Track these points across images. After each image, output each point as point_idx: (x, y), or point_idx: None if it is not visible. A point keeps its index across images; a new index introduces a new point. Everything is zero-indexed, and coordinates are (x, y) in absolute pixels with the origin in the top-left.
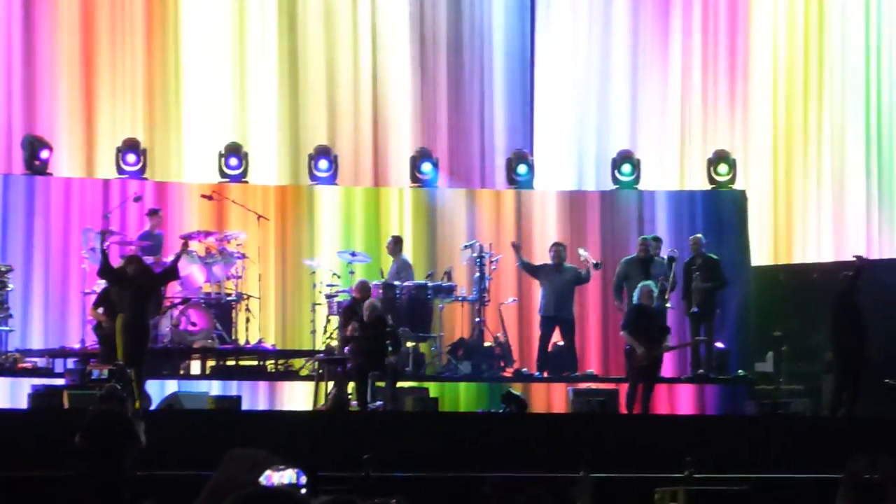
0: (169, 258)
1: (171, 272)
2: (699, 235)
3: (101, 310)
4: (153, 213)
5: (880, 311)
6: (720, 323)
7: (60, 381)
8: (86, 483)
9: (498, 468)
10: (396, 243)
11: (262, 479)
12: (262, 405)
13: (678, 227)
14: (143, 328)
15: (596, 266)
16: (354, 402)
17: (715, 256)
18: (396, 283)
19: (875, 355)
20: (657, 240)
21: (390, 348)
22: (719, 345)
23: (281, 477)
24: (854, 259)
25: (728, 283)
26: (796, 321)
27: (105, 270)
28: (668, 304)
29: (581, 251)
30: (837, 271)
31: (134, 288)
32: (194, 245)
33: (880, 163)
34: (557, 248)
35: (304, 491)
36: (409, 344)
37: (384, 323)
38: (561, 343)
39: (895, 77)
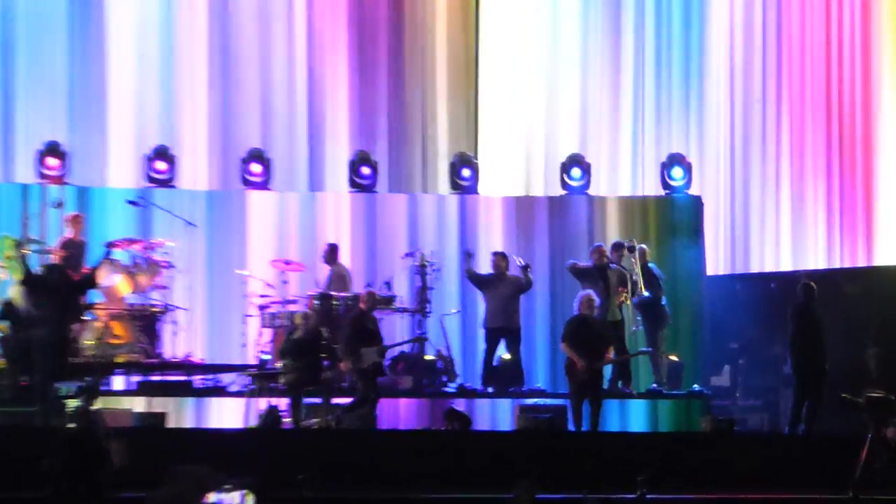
0: (89, 266)
1: (90, 280)
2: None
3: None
4: (75, 218)
5: (840, 322)
6: (673, 335)
7: None
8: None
9: (440, 488)
10: (332, 251)
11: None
12: (189, 422)
13: (630, 234)
14: (65, 341)
15: (525, 269)
16: (288, 419)
17: (652, 265)
18: (333, 293)
19: (835, 368)
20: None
21: (326, 363)
22: (673, 358)
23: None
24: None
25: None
26: (754, 333)
27: (28, 279)
28: (645, 294)
29: (514, 256)
30: (797, 281)
31: (55, 298)
32: (118, 253)
33: (841, 168)
34: (499, 258)
35: None
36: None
37: (320, 336)
38: (507, 356)
39: (857, 81)
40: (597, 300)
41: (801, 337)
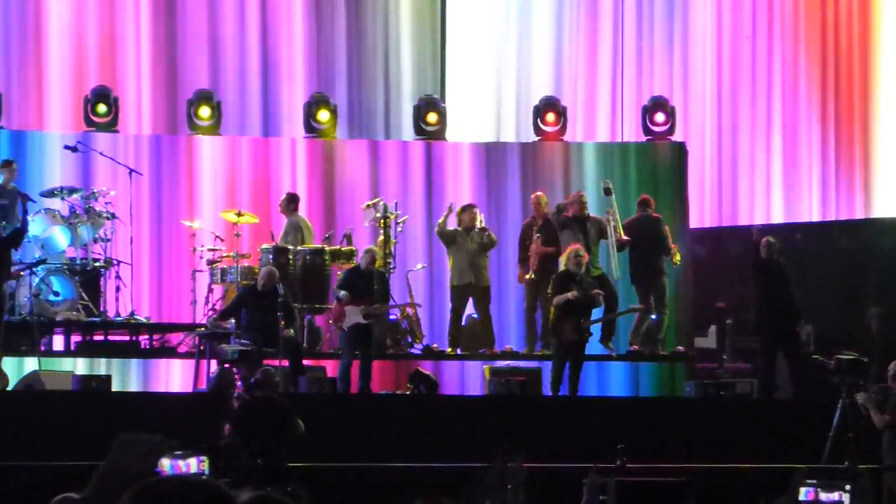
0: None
1: (20, 234)
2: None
3: None
4: (6, 164)
5: (836, 277)
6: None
7: None
8: (244, 476)
9: (405, 456)
10: (291, 201)
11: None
12: (134, 386)
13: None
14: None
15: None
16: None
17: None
18: (290, 247)
19: (831, 328)
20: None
21: (283, 321)
22: (653, 317)
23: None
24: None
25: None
26: (742, 291)
27: None
28: (624, 239)
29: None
30: (790, 234)
31: None
32: (56, 203)
33: (837, 111)
34: (471, 211)
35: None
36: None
37: (276, 293)
38: (475, 316)
39: (855, 14)
40: (584, 256)
41: (765, 294)
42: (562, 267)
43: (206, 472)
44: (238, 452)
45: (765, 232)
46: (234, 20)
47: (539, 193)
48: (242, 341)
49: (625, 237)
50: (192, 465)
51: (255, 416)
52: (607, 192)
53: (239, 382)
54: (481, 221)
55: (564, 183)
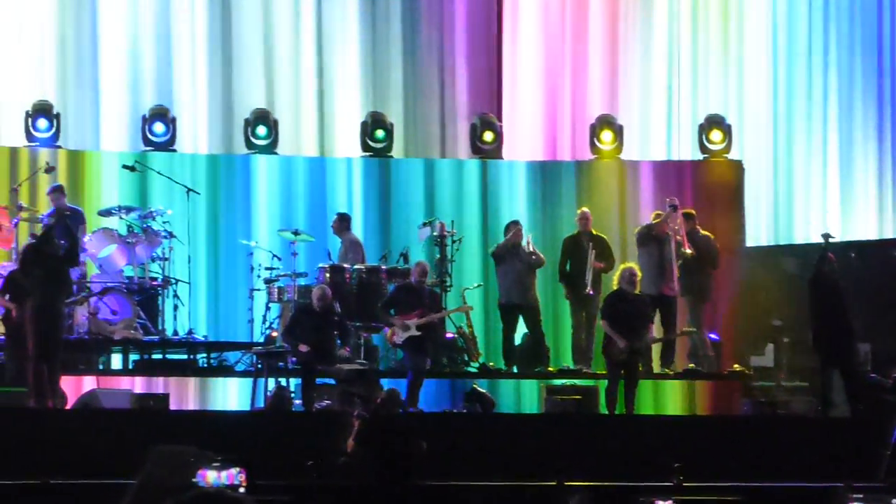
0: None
1: (75, 252)
2: (586, 209)
3: (7, 297)
4: (54, 190)
5: (892, 294)
6: (711, 311)
7: None
8: (370, 495)
9: (461, 475)
10: (342, 220)
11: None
12: (191, 404)
13: (664, 200)
14: (55, 315)
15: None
16: (298, 401)
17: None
18: (346, 265)
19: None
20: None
21: (339, 340)
22: (711, 336)
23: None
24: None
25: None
26: (799, 309)
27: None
28: (687, 251)
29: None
30: (846, 251)
31: (48, 271)
32: (114, 222)
33: (893, 129)
34: (516, 228)
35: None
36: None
37: (333, 311)
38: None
39: None
40: (638, 274)
41: (820, 315)
42: (614, 285)
43: (242, 484)
44: (358, 470)
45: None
46: (290, 39)
47: (585, 209)
48: (360, 361)
49: (689, 250)
50: (229, 476)
51: (378, 434)
52: (674, 208)
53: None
54: (530, 242)
55: (620, 201)
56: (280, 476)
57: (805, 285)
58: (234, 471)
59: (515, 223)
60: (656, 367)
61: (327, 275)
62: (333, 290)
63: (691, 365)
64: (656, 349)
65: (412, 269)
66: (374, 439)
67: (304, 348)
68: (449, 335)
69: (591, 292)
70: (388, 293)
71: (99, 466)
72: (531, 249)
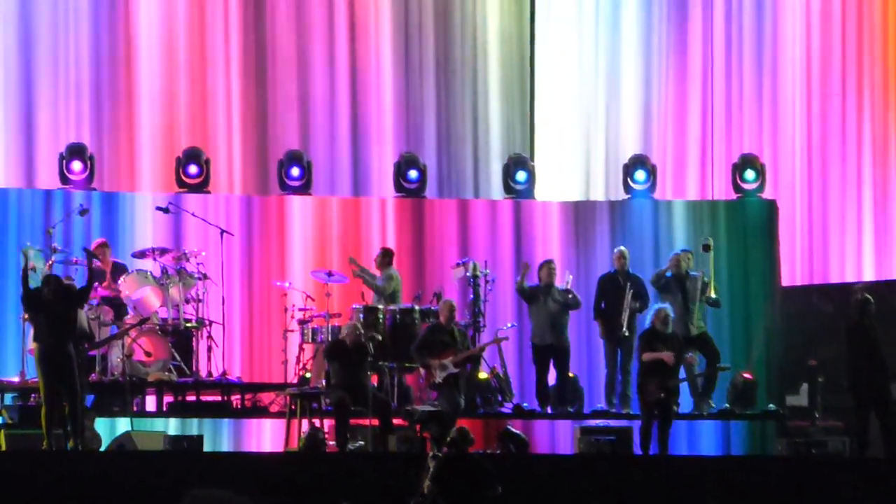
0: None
1: (84, 292)
2: (623, 248)
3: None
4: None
5: None
6: (745, 350)
7: None
8: None
9: None
10: (385, 255)
11: None
12: (226, 446)
13: (698, 241)
14: (63, 357)
15: (566, 292)
16: (332, 442)
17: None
18: (380, 306)
19: None
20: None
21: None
22: (746, 375)
23: None
24: (858, 287)
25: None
26: (834, 349)
27: (24, 296)
28: (713, 297)
29: (567, 275)
30: (881, 291)
31: (49, 313)
32: (148, 264)
33: None
34: (549, 267)
35: None
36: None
37: (366, 351)
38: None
39: None
40: (672, 314)
41: (856, 356)
42: (648, 324)
43: None
44: None
45: (865, 290)
46: (324, 80)
47: (623, 248)
48: (433, 402)
49: (713, 295)
50: None
51: (451, 473)
52: (706, 248)
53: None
54: (569, 282)
55: (654, 241)
56: None
57: (840, 325)
58: None
59: (548, 262)
60: (687, 405)
61: (361, 316)
62: (367, 331)
63: (726, 405)
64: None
65: (440, 309)
66: (444, 478)
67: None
68: (483, 375)
69: (628, 333)
70: (420, 335)
71: None
72: (567, 288)
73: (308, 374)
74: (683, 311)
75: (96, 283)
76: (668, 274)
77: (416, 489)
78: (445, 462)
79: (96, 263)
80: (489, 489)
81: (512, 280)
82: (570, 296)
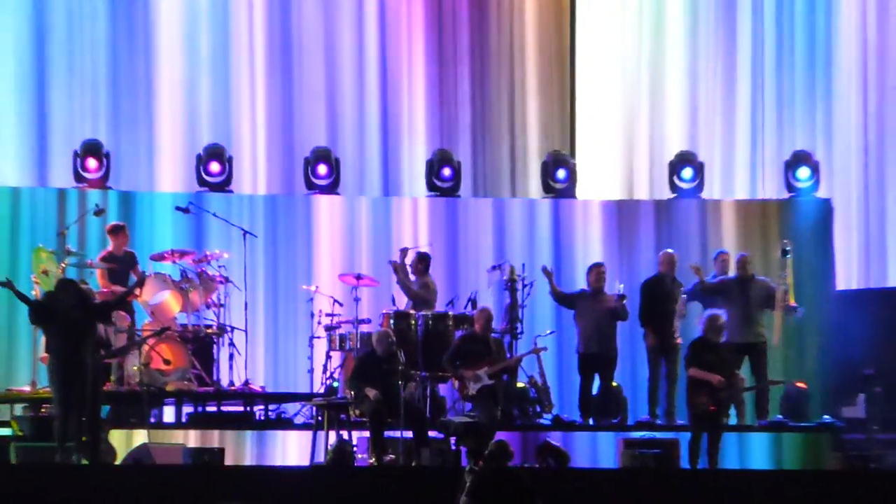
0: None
1: (112, 307)
2: (671, 251)
3: None
4: (116, 230)
5: None
6: (798, 358)
7: (6, 431)
8: None
9: None
10: (421, 261)
11: None
12: (249, 459)
13: (749, 242)
14: (79, 366)
15: (620, 299)
16: (361, 456)
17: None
18: (412, 311)
19: None
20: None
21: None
22: (800, 385)
23: None
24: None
25: None
26: (893, 357)
27: (33, 308)
28: (792, 306)
29: (617, 284)
30: None
31: (65, 320)
32: (167, 267)
33: None
34: (598, 271)
35: None
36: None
37: (397, 360)
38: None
39: None
40: (725, 320)
41: None
42: (700, 332)
43: None
44: None
45: None
46: (353, 75)
47: (671, 251)
48: (469, 413)
49: (793, 304)
50: None
51: (489, 489)
52: (784, 253)
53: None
54: (621, 288)
55: (701, 242)
56: None
57: None
58: None
59: (598, 266)
60: (749, 418)
61: (391, 321)
62: (398, 338)
63: (779, 417)
64: (749, 400)
65: (476, 317)
66: (485, 496)
67: (371, 393)
68: (521, 385)
69: (681, 340)
70: (453, 344)
71: None
72: (621, 293)
73: (336, 384)
74: (742, 319)
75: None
76: (733, 276)
77: None
78: (483, 477)
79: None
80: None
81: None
82: (622, 304)
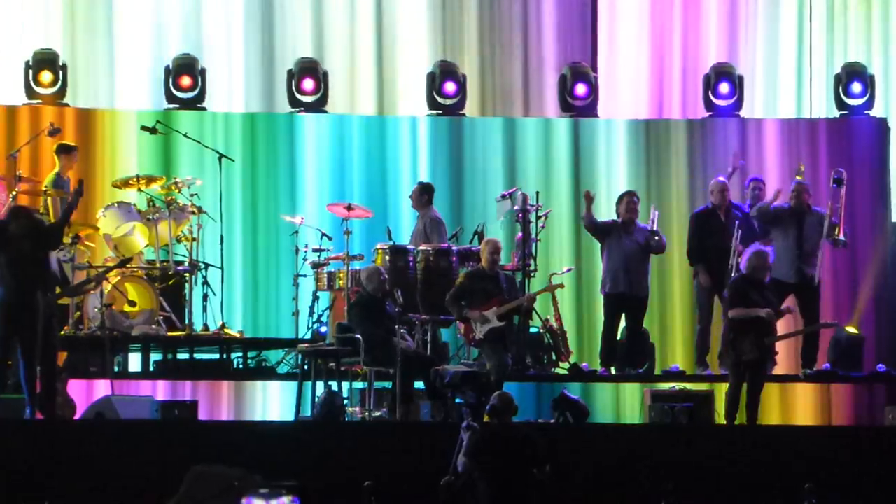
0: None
1: (58, 228)
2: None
3: None
4: (66, 150)
5: None
6: (849, 300)
7: None
8: None
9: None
10: (424, 192)
11: None
12: (225, 413)
13: (793, 166)
14: (28, 305)
15: (652, 234)
16: (352, 409)
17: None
18: (410, 247)
19: None
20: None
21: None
22: (851, 330)
23: None
24: None
25: None
26: None
27: None
28: (842, 238)
29: (653, 210)
30: None
31: (13, 251)
32: (132, 195)
33: None
34: (630, 200)
35: None
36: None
37: (393, 299)
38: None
39: None
40: (772, 257)
41: None
42: (742, 268)
43: None
44: (469, 491)
45: None
46: None
47: (722, 178)
48: (466, 362)
49: (841, 237)
50: None
51: (491, 447)
52: (838, 182)
53: (465, 410)
54: (654, 221)
55: (741, 167)
56: (331, 499)
57: None
58: (285, 500)
59: (630, 194)
60: (795, 368)
61: (386, 258)
62: (394, 277)
63: (827, 366)
64: (790, 348)
65: (481, 250)
66: (487, 456)
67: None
68: (533, 329)
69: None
70: (457, 282)
71: (114, 488)
72: (654, 228)
73: (324, 329)
74: (796, 253)
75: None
76: (786, 205)
77: (449, 466)
78: (483, 435)
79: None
80: (538, 467)
81: (569, 214)
82: (657, 237)
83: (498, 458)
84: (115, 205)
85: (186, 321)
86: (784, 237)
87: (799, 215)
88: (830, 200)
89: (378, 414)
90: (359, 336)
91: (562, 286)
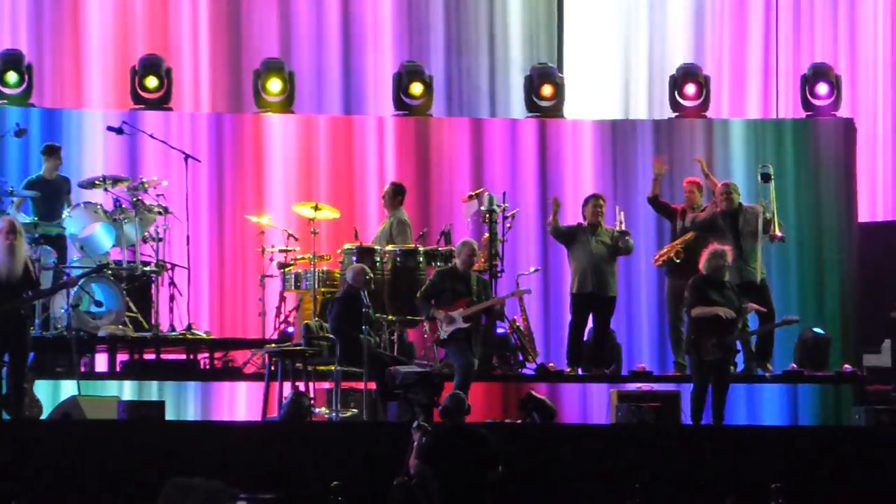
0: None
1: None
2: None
3: None
4: (50, 150)
5: None
6: (816, 300)
7: None
8: None
9: (516, 496)
10: (397, 193)
11: None
12: (192, 414)
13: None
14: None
15: (622, 234)
16: (319, 410)
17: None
18: (377, 247)
19: None
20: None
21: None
22: (817, 330)
23: None
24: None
25: None
26: None
27: None
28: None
29: (617, 210)
30: None
31: None
32: (98, 195)
33: None
34: (596, 203)
35: None
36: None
37: (360, 301)
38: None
39: None
40: (728, 259)
41: None
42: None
43: None
44: (423, 493)
45: None
46: None
47: (695, 179)
48: (420, 362)
49: (779, 234)
50: None
51: (443, 448)
52: (765, 178)
53: (417, 410)
54: (621, 223)
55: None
56: (298, 500)
57: None
58: None
59: (596, 197)
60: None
61: (353, 258)
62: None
63: (794, 366)
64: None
65: (457, 251)
66: (438, 457)
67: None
68: (500, 330)
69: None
70: (429, 281)
71: (80, 489)
72: (622, 229)
73: (291, 329)
74: (736, 254)
75: None
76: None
77: (402, 468)
78: (437, 436)
79: None
80: (490, 468)
81: (536, 214)
82: (624, 238)
83: (449, 459)
84: (81, 205)
85: (153, 321)
86: (721, 240)
87: (732, 216)
88: (761, 197)
89: (347, 415)
90: (332, 336)
91: (528, 291)
